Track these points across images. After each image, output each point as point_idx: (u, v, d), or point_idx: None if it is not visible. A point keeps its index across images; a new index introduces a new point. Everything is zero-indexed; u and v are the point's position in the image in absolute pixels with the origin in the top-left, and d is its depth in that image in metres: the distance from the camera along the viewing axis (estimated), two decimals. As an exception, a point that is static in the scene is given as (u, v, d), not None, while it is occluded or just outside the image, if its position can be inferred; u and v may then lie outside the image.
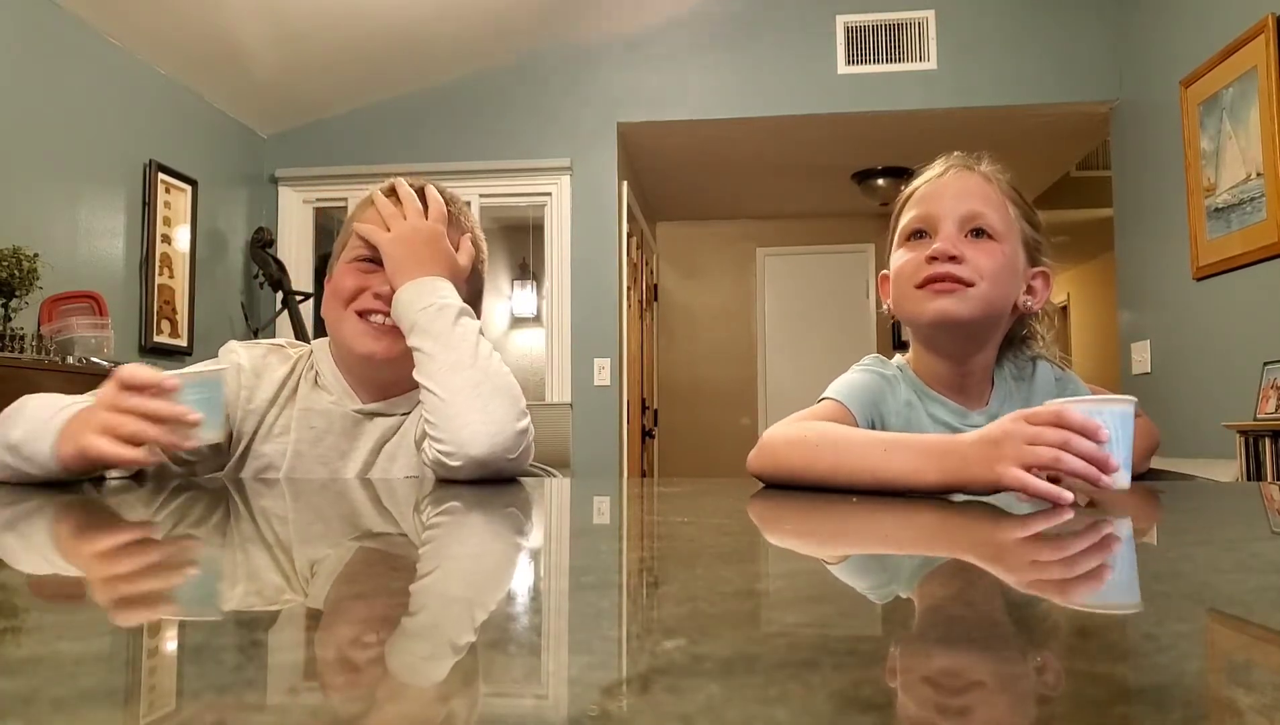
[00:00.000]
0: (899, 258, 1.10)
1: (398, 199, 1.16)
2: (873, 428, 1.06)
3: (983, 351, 1.10)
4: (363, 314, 1.13)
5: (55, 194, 3.13)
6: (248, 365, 1.16)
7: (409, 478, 1.13)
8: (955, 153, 1.15)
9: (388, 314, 1.11)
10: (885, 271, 1.17)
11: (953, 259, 1.03)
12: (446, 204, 1.19)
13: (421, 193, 1.18)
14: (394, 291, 1.10)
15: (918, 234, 1.09)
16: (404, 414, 1.18)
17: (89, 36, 3.28)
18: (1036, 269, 1.12)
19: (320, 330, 1.31)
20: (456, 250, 1.17)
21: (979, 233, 1.06)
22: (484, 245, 1.26)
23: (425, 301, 1.08)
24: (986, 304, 1.04)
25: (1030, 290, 1.11)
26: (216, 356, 1.17)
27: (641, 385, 5.19)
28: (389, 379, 1.16)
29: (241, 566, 0.51)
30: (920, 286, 1.05)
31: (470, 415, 1.01)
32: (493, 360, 1.07)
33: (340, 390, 1.17)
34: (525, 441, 1.06)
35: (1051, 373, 1.17)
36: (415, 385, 1.12)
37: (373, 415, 1.16)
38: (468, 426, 1.01)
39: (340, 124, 4.40)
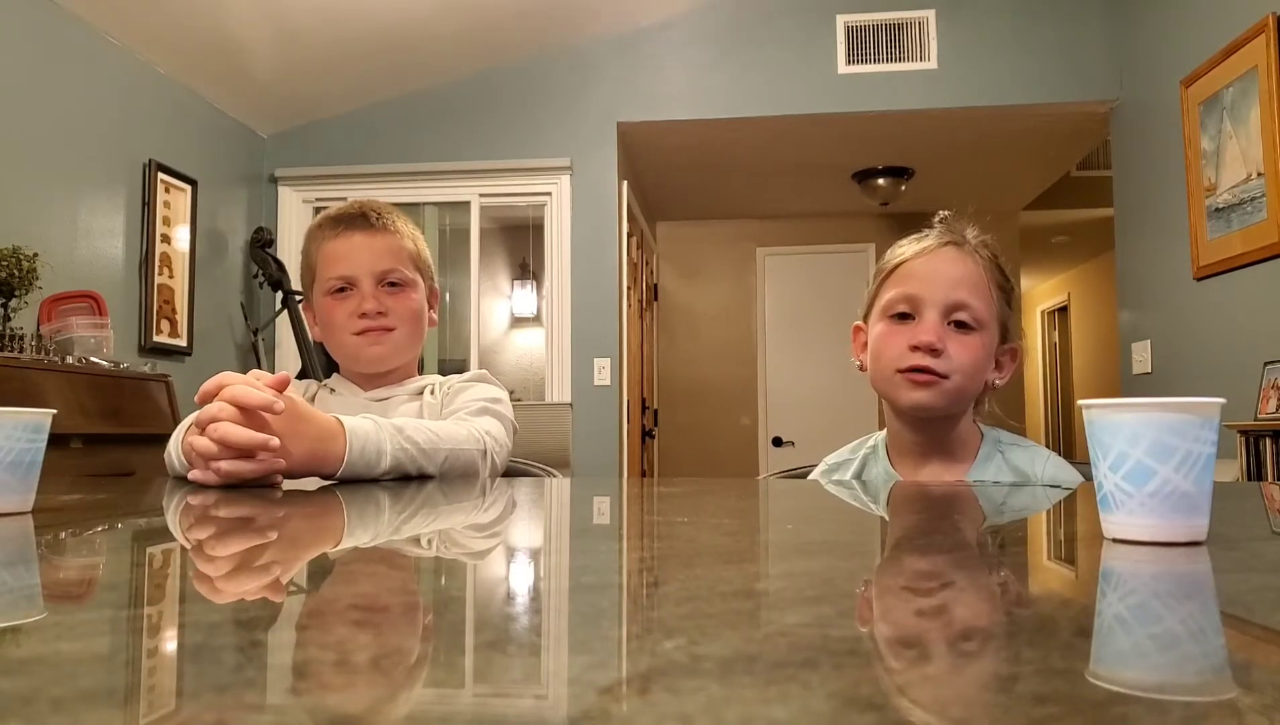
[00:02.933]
0: (881, 331, 1.13)
1: (346, 224, 1.35)
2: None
3: (951, 422, 1.13)
4: (358, 332, 1.33)
5: (55, 194, 3.13)
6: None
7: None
8: (943, 215, 1.16)
9: (378, 327, 1.33)
10: (858, 323, 1.20)
11: (934, 351, 1.07)
12: (404, 235, 1.37)
13: (370, 215, 1.35)
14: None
15: (902, 313, 1.11)
16: (407, 395, 1.35)
17: (89, 36, 3.28)
18: (1007, 345, 1.14)
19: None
20: (430, 299, 1.41)
21: (962, 323, 1.09)
22: (423, 242, 1.44)
23: (375, 450, 1.03)
24: (959, 395, 1.09)
25: (999, 366, 1.14)
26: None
27: (641, 385, 5.19)
28: (393, 375, 1.38)
29: (250, 568, 0.52)
30: (900, 371, 1.09)
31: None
32: (438, 443, 1.11)
33: (349, 390, 1.37)
34: (491, 463, 1.20)
35: (1039, 470, 1.14)
36: (410, 371, 1.40)
37: (381, 399, 1.35)
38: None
39: (340, 124, 4.40)
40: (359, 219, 1.35)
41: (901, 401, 1.10)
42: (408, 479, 1.07)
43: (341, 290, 1.34)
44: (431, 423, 1.15)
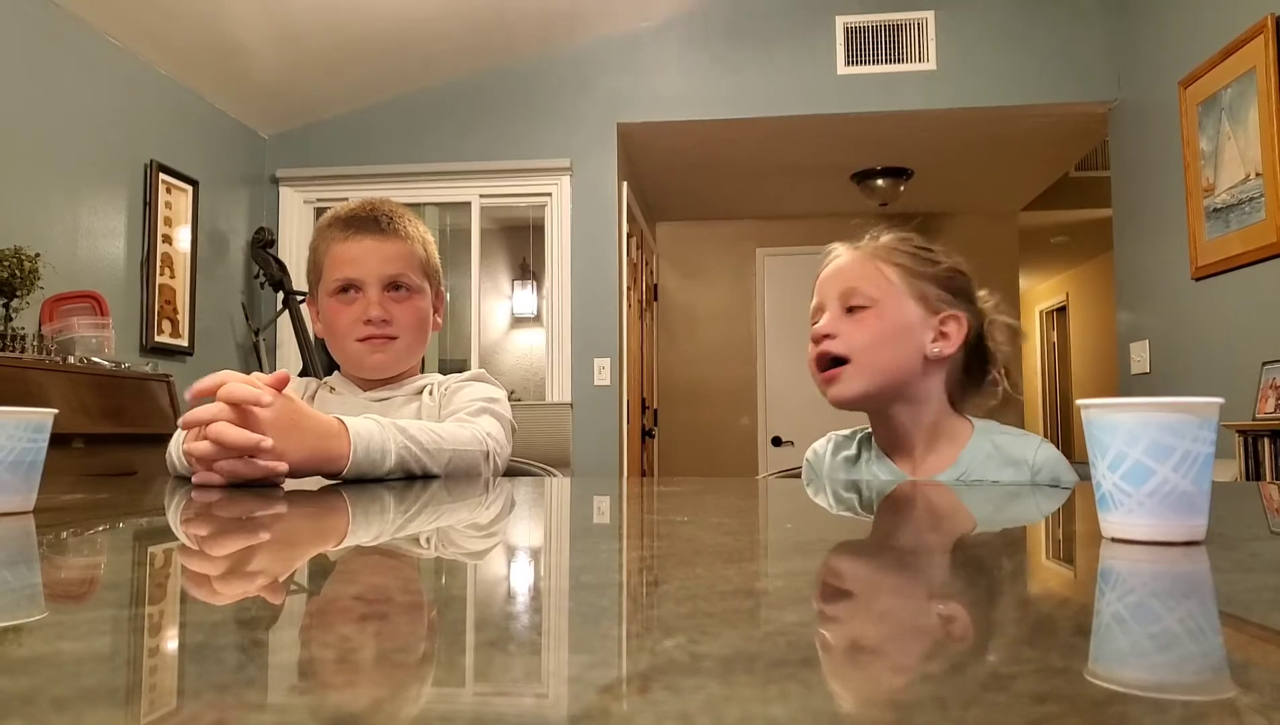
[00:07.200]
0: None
1: (356, 227, 1.33)
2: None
3: (907, 408, 1.15)
4: (362, 338, 1.32)
5: (56, 194, 3.13)
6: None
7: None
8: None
9: (381, 336, 1.32)
10: None
11: (827, 337, 1.14)
12: (415, 240, 1.35)
13: (381, 219, 1.33)
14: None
15: (811, 323, 1.19)
16: (406, 397, 1.35)
17: (89, 36, 3.28)
18: (943, 315, 1.14)
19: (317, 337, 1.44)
20: (436, 303, 1.40)
21: (856, 307, 1.14)
22: (434, 243, 1.42)
23: (379, 449, 1.03)
24: (870, 373, 1.13)
25: (942, 336, 1.14)
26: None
27: (641, 385, 5.19)
28: (394, 377, 1.38)
29: (251, 568, 0.52)
30: (818, 370, 1.16)
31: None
32: (441, 444, 1.12)
33: (350, 390, 1.38)
34: (493, 464, 1.21)
35: (1030, 457, 1.12)
36: (411, 372, 1.40)
37: (381, 400, 1.35)
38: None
39: (340, 124, 4.40)
40: (370, 222, 1.33)
41: (827, 398, 1.16)
42: (413, 479, 1.07)
43: (347, 292, 1.33)
44: (434, 424, 1.16)
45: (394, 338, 1.33)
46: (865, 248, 1.19)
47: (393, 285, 1.33)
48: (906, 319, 1.13)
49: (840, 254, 1.20)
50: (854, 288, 1.15)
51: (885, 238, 1.20)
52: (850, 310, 1.14)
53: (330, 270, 1.34)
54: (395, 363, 1.35)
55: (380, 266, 1.32)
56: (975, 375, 1.19)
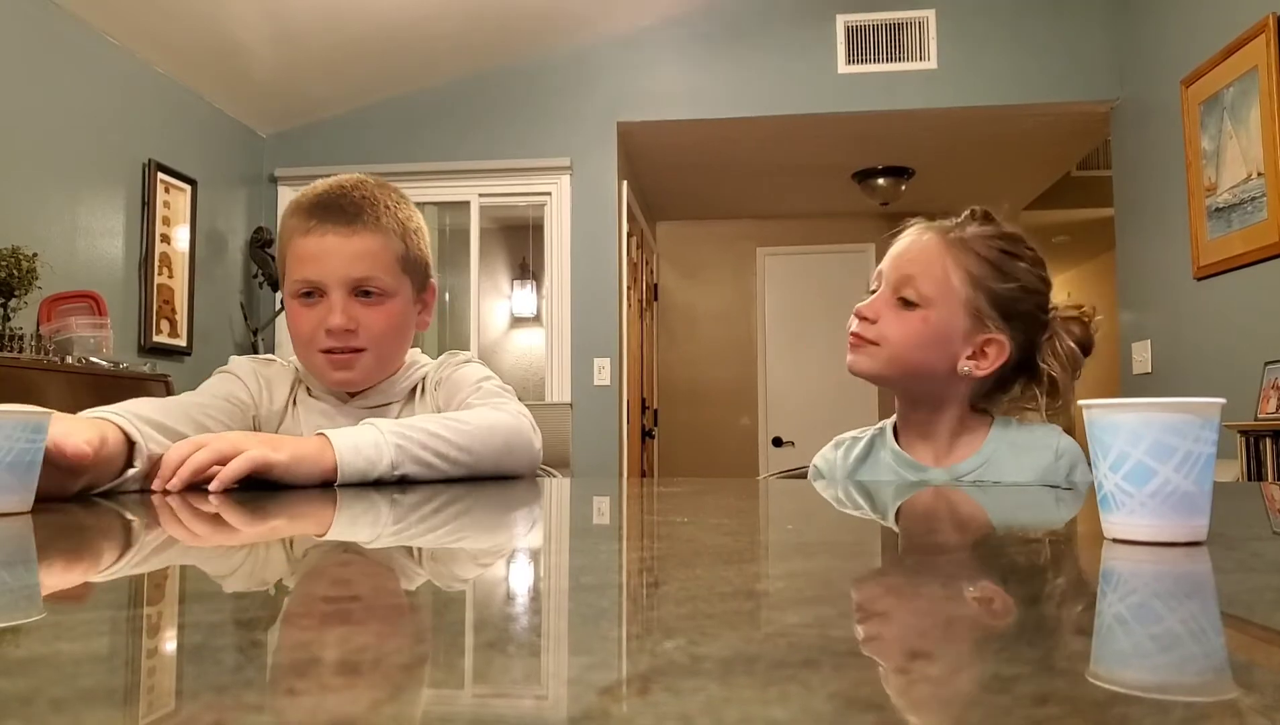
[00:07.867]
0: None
1: (320, 217, 1.17)
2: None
3: (927, 401, 1.14)
4: (324, 349, 1.18)
5: (54, 193, 3.13)
6: (262, 371, 1.27)
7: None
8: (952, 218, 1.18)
9: (346, 349, 1.18)
10: None
11: (865, 320, 1.13)
12: (389, 232, 1.19)
13: (349, 207, 1.18)
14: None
15: (869, 290, 1.18)
16: (401, 402, 1.27)
17: (89, 36, 3.28)
18: (987, 336, 1.10)
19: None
20: (425, 298, 1.27)
21: (905, 300, 1.11)
22: (423, 227, 1.27)
23: (371, 443, 1.00)
24: (892, 364, 1.12)
25: (979, 355, 1.10)
26: (218, 370, 1.29)
27: (641, 385, 5.19)
28: (367, 389, 1.26)
29: (251, 568, 0.51)
30: (851, 336, 1.16)
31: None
32: (465, 428, 1.08)
33: (331, 397, 1.26)
34: (537, 448, 1.18)
35: (1054, 443, 1.12)
36: (393, 371, 1.26)
37: (372, 407, 1.24)
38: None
39: (340, 124, 4.40)
40: (336, 211, 1.16)
41: (847, 365, 1.17)
42: (454, 481, 1.05)
43: (310, 296, 1.18)
44: (455, 413, 1.12)
45: (360, 350, 1.18)
46: (947, 232, 1.12)
47: (360, 288, 1.17)
48: (951, 330, 1.09)
49: (912, 233, 1.15)
50: (912, 278, 1.10)
51: (973, 229, 1.13)
52: (901, 299, 1.10)
53: (292, 268, 1.18)
54: (363, 379, 1.21)
55: (345, 267, 1.15)
56: (1010, 387, 1.15)
